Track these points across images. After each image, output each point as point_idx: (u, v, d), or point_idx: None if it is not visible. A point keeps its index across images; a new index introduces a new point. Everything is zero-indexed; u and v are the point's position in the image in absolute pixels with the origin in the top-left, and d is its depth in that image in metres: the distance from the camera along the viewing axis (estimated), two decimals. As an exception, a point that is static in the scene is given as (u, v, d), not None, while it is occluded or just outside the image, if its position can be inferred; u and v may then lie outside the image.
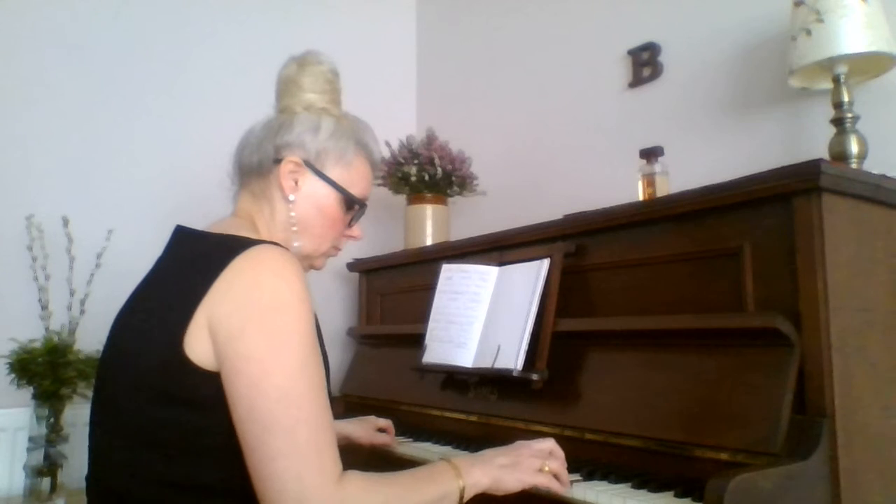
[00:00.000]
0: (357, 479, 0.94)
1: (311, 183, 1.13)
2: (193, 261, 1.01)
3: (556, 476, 1.12)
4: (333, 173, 1.15)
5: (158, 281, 1.07)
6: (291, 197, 1.12)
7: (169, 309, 0.97)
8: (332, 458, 0.93)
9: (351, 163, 1.16)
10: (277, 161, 1.12)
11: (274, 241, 1.07)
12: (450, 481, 1.02)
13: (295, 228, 1.13)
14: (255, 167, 1.14)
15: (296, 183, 1.12)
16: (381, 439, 1.60)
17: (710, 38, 1.91)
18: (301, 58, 1.19)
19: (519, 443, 1.15)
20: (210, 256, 0.98)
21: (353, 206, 1.18)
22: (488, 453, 1.11)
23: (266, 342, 0.92)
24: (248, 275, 0.95)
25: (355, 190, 1.17)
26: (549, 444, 1.16)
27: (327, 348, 1.07)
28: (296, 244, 1.14)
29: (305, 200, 1.13)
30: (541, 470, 1.11)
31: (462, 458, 1.08)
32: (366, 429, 1.59)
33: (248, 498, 0.92)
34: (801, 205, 1.16)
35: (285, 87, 1.18)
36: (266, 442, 0.89)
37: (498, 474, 1.06)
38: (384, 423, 1.63)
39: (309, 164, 1.13)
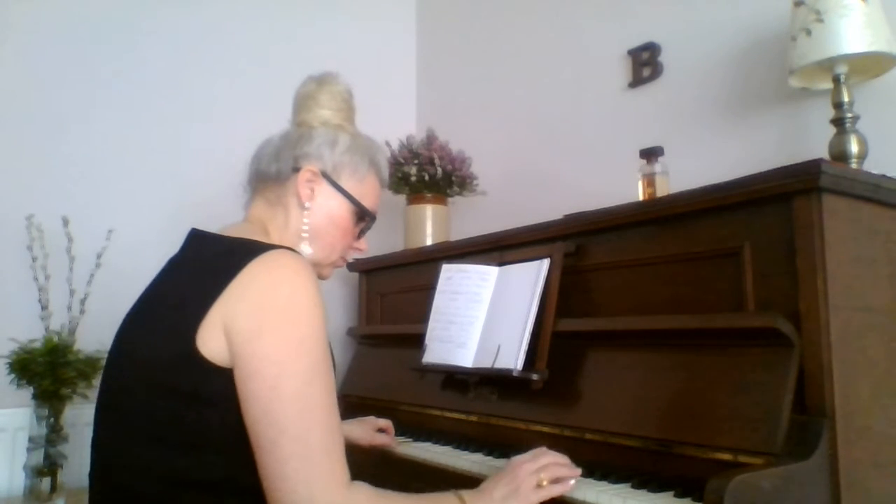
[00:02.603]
0: (366, 490, 0.97)
1: (326, 193, 1.18)
2: (209, 261, 1.03)
3: (556, 480, 1.12)
4: (347, 185, 1.20)
5: (172, 280, 1.09)
6: (307, 204, 1.16)
7: (182, 306, 0.98)
8: (342, 464, 0.95)
9: (364, 178, 1.22)
10: (296, 170, 1.16)
11: (289, 247, 1.08)
12: None
13: (307, 235, 1.17)
14: (273, 175, 1.18)
15: (312, 192, 1.17)
16: (381, 440, 1.60)
17: (710, 39, 1.91)
18: (319, 77, 1.25)
19: (513, 463, 1.14)
20: (226, 258, 1.00)
21: (363, 218, 1.23)
22: (487, 486, 1.11)
23: (283, 346, 0.94)
24: (264, 277, 0.97)
25: (366, 203, 1.22)
26: (542, 458, 1.14)
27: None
28: (306, 251, 1.16)
29: (320, 210, 1.17)
30: (540, 485, 1.10)
31: (467, 492, 1.08)
32: (365, 429, 1.60)
33: (254, 495, 0.93)
34: (801, 205, 1.16)
35: (303, 102, 1.23)
36: (280, 444, 0.91)
37: None
38: (384, 423, 1.63)
39: (325, 175, 1.18)
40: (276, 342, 0.94)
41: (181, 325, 0.96)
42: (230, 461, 0.95)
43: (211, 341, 0.94)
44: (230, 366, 0.94)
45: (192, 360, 0.94)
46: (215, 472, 0.95)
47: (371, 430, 1.60)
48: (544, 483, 1.11)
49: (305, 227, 1.16)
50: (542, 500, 1.11)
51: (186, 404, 0.94)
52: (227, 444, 0.95)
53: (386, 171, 1.29)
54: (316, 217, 1.17)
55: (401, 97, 2.93)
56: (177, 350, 0.95)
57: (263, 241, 1.06)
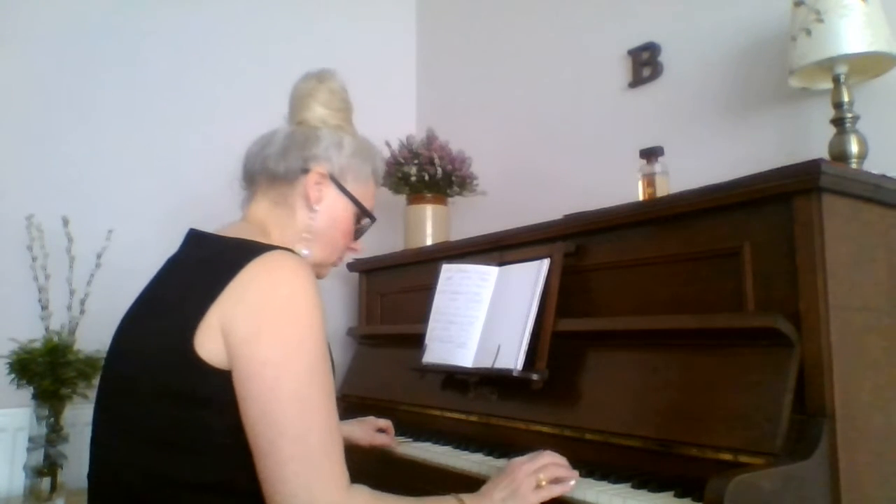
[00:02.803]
0: (366, 492, 0.97)
1: (331, 195, 1.19)
2: (208, 262, 1.03)
3: (555, 480, 1.12)
4: (352, 188, 1.21)
5: (170, 280, 1.08)
6: (316, 207, 1.17)
7: (180, 307, 0.98)
8: (342, 466, 0.95)
9: (366, 181, 1.24)
10: (305, 171, 1.16)
11: (288, 247, 1.08)
12: None
13: (309, 237, 1.17)
14: (281, 175, 1.17)
15: (319, 194, 1.17)
16: (381, 440, 1.60)
17: (710, 38, 1.91)
18: (318, 75, 1.24)
19: (512, 464, 1.14)
20: (225, 258, 1.00)
21: (360, 220, 1.24)
22: (487, 489, 1.11)
23: (282, 347, 0.93)
24: (263, 279, 0.97)
25: (367, 205, 1.24)
26: (541, 459, 1.15)
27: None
28: (308, 252, 1.17)
29: (325, 212, 1.18)
30: (539, 485, 1.11)
31: (468, 496, 1.08)
32: (365, 429, 1.60)
33: (252, 497, 0.93)
34: (801, 205, 1.16)
35: (303, 100, 1.22)
36: (279, 446, 0.91)
37: None
38: (384, 423, 1.63)
39: (333, 178, 1.18)
40: (275, 343, 0.93)
41: (179, 326, 0.95)
42: (228, 463, 0.95)
43: (209, 343, 0.94)
44: (228, 368, 0.94)
45: (190, 362, 0.93)
46: (213, 475, 0.95)
47: (371, 431, 1.60)
48: (543, 483, 1.11)
49: (310, 228, 1.17)
50: (541, 501, 1.11)
51: (184, 406, 0.94)
52: (225, 447, 0.94)
53: (382, 173, 1.31)
54: (321, 219, 1.18)
55: (401, 97, 2.93)
56: (174, 352, 0.95)
57: (262, 241, 1.05)
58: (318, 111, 1.21)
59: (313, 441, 0.92)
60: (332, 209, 1.19)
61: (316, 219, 1.17)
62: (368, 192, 1.24)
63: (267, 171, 1.18)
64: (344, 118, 1.24)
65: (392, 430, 1.63)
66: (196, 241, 1.12)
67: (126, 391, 1.00)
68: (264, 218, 1.17)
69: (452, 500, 1.06)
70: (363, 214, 1.24)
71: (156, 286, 1.10)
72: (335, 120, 1.22)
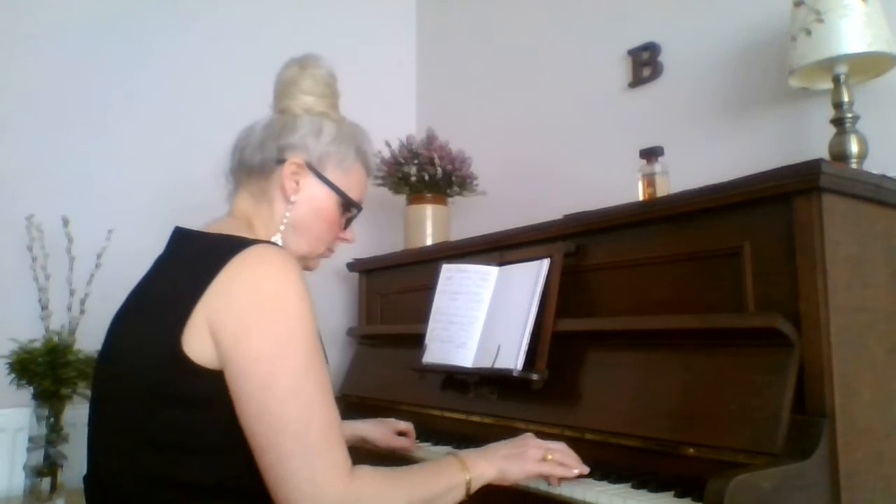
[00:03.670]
0: (368, 473, 0.96)
1: (311, 185, 1.15)
2: (191, 260, 1.01)
3: (561, 464, 1.15)
4: (333, 177, 1.16)
5: (156, 281, 1.08)
6: (293, 198, 1.13)
7: (167, 308, 0.97)
8: (343, 455, 0.94)
9: (350, 168, 1.19)
10: (280, 162, 1.13)
11: (271, 241, 1.07)
12: (457, 474, 1.05)
13: (284, 229, 1.14)
14: (257, 167, 1.15)
15: (297, 184, 1.14)
16: (400, 443, 1.55)
17: (710, 38, 1.91)
18: (301, 60, 1.21)
19: (524, 435, 1.18)
20: (208, 256, 0.98)
21: (349, 209, 1.20)
22: (493, 446, 1.14)
23: (273, 343, 0.92)
24: (248, 274, 0.95)
25: (353, 194, 1.19)
26: (555, 443, 1.18)
27: (327, 348, 1.07)
28: (293, 245, 1.15)
29: (305, 203, 1.15)
30: (544, 459, 1.13)
31: (468, 451, 1.10)
32: (384, 431, 1.55)
33: (247, 497, 0.93)
34: (801, 205, 1.16)
35: (285, 88, 1.19)
36: (278, 443, 0.90)
37: (503, 465, 1.09)
38: (405, 426, 1.58)
39: (311, 167, 1.14)
40: (265, 340, 0.92)
41: (165, 328, 0.94)
42: (222, 464, 0.94)
43: (197, 343, 0.93)
44: (219, 367, 0.93)
45: (179, 363, 0.92)
46: (207, 475, 0.94)
47: (390, 432, 1.56)
48: (549, 458, 1.13)
49: (285, 221, 1.13)
50: (542, 473, 1.14)
51: (176, 407, 0.93)
52: (219, 447, 0.94)
53: (372, 160, 1.25)
54: (301, 210, 1.14)
55: (401, 97, 2.93)
56: (163, 353, 0.93)
57: (247, 236, 1.04)
58: (302, 99, 1.17)
59: (313, 434, 0.91)
60: (312, 199, 1.14)
61: (294, 210, 1.13)
62: (354, 180, 1.19)
63: (243, 164, 1.16)
64: (329, 104, 1.19)
65: (413, 434, 1.58)
66: (180, 240, 1.11)
67: (119, 393, 1.00)
68: (247, 212, 1.15)
69: (452, 459, 1.07)
70: (348, 203, 1.19)
71: (143, 287, 1.09)
72: (320, 106, 1.18)
